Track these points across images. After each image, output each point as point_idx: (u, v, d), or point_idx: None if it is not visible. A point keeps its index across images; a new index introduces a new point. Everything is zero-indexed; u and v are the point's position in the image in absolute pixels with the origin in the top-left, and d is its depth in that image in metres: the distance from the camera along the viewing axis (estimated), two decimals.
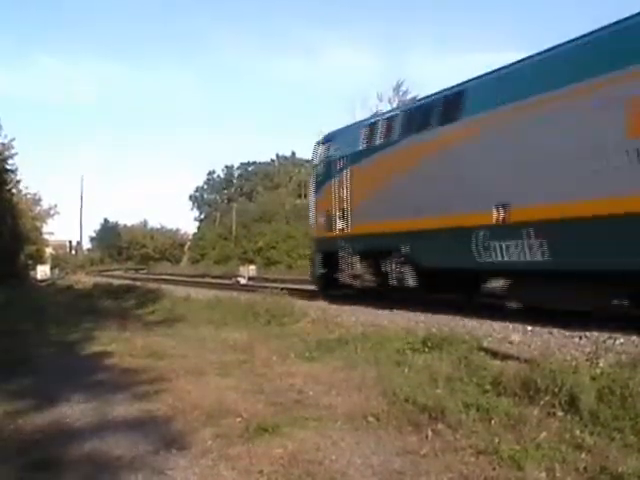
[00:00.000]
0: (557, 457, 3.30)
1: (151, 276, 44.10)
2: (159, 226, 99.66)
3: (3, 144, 28.87)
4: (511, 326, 8.53)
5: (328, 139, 14.69)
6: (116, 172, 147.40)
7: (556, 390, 4.25)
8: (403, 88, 39.22)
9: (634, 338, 6.88)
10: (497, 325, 8.72)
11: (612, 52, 7.82)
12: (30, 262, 44.93)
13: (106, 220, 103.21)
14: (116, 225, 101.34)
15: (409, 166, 11.38)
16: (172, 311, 12.62)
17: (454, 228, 10.03)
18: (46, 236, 53.08)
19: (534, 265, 8.84)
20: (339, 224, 13.52)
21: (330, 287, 14.05)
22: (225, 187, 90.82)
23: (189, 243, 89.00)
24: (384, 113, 13.79)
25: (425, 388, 4.77)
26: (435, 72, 79.48)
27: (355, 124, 14.38)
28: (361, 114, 50.50)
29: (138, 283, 25.16)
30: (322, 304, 12.76)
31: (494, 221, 9.45)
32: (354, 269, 13.03)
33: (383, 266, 12.17)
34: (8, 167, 29.77)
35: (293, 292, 14.23)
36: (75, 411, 4.65)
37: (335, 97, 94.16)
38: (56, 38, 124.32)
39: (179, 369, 6.07)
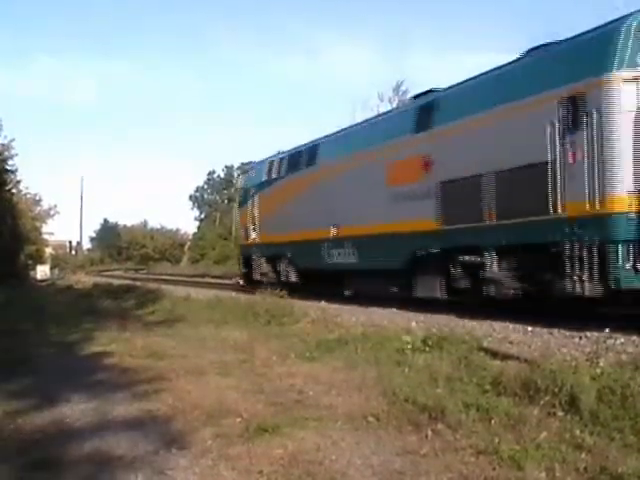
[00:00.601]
0: (557, 457, 3.30)
1: (151, 276, 44.12)
2: (159, 226, 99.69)
3: (3, 145, 28.87)
4: (511, 326, 8.53)
5: (245, 171, 20.41)
6: (116, 172, 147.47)
7: (556, 390, 4.25)
8: (403, 88, 39.28)
9: (634, 338, 6.88)
10: (497, 325, 8.72)
11: (375, 134, 12.92)
12: (30, 262, 44.93)
13: (106, 220, 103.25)
14: (116, 225, 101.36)
15: (290, 195, 16.03)
16: (172, 311, 12.63)
17: (314, 240, 14.46)
18: (46, 236, 53.10)
19: (352, 265, 13.34)
20: (252, 235, 18.16)
21: (250, 282, 18.10)
22: (225, 187, 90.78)
23: (189, 243, 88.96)
24: (279, 154, 17.75)
25: (425, 388, 4.77)
26: (435, 72, 79.49)
27: (261, 161, 18.81)
28: (361, 114, 50.50)
29: (138, 283, 25.15)
30: (322, 304, 12.76)
31: (332, 236, 13.89)
32: (262, 268, 17.54)
33: (278, 266, 16.67)
34: (8, 168, 29.77)
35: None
36: (75, 411, 4.65)
37: (335, 96, 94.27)
38: (55, 37, 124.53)
39: (179, 369, 6.07)
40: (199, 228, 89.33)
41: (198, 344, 7.90)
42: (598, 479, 3.06)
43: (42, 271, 47.38)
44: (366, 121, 14.60)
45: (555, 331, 7.88)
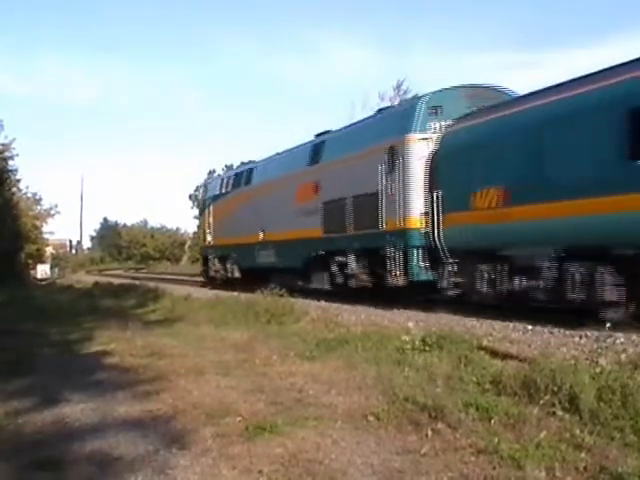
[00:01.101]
0: (557, 456, 3.30)
1: (151, 275, 44.19)
2: (159, 225, 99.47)
3: (3, 145, 28.81)
4: (511, 325, 8.53)
5: (205, 185, 25.23)
6: (116, 171, 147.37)
7: (556, 389, 4.25)
8: (404, 87, 39.31)
9: (634, 337, 6.88)
10: (497, 324, 8.72)
11: (289, 163, 16.86)
12: (30, 261, 44.90)
13: (106, 219, 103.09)
14: (116, 224, 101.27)
15: (234, 207, 20.03)
16: (172, 310, 12.63)
17: (249, 243, 18.20)
18: (46, 235, 52.95)
19: (273, 264, 17.08)
20: (208, 238, 22.18)
21: (208, 278, 22.40)
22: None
23: (189, 242, 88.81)
24: (227, 172, 22.96)
25: (425, 387, 4.78)
26: (436, 71, 79.49)
27: (215, 177, 24.92)
28: (361, 114, 50.46)
29: (138, 282, 25.15)
30: (322, 303, 12.77)
31: (260, 239, 17.64)
32: (215, 266, 21.32)
33: (226, 264, 20.50)
34: (9, 168, 29.72)
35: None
36: (75, 411, 4.65)
37: (335, 96, 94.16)
38: (56, 37, 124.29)
39: (179, 368, 6.08)
40: (199, 227, 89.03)
41: (198, 343, 7.91)
42: (598, 478, 3.07)
43: (42, 270, 47.31)
44: (285, 152, 18.22)
45: (555, 330, 7.88)
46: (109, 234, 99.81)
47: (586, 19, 77.79)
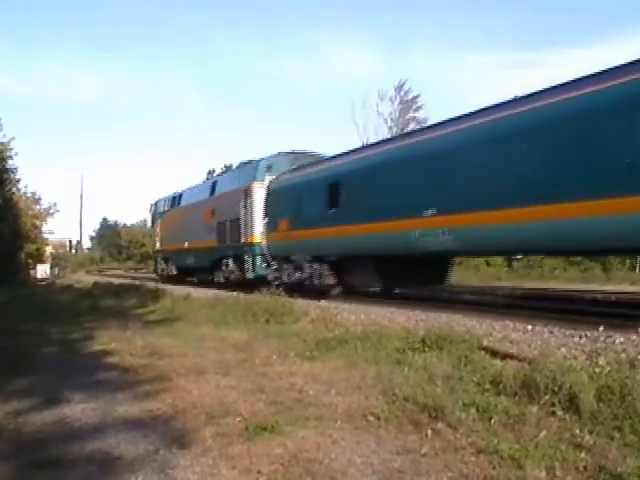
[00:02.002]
0: (557, 456, 3.31)
1: (151, 275, 44.27)
2: None
3: (2, 144, 28.76)
4: (511, 325, 8.53)
5: (155, 203, 30.13)
6: (116, 171, 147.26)
7: (556, 389, 4.26)
8: (405, 87, 39.38)
9: (634, 337, 6.89)
10: (497, 324, 8.72)
11: (200, 193, 23.92)
12: (30, 261, 44.86)
13: (105, 219, 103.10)
14: (116, 224, 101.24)
15: (171, 222, 26.81)
16: (172, 310, 12.62)
17: (180, 249, 24.72)
18: (46, 235, 52.89)
19: (194, 264, 23.68)
20: (157, 245, 29.30)
21: (157, 274, 29.13)
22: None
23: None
24: (168, 196, 28.09)
25: (425, 387, 4.78)
26: (436, 71, 79.48)
27: (160, 199, 29.26)
28: (361, 114, 50.15)
29: (138, 282, 25.16)
30: (322, 303, 12.78)
31: (186, 247, 24.00)
32: (162, 266, 28.28)
33: (169, 265, 27.26)
34: (8, 167, 29.67)
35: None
36: (75, 410, 4.65)
37: (335, 96, 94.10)
38: (56, 37, 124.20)
39: (179, 368, 6.08)
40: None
41: (198, 343, 7.91)
42: (598, 478, 3.07)
43: (42, 270, 47.23)
44: (198, 185, 25.93)
45: (555, 330, 7.88)
46: (109, 234, 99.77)
47: (586, 18, 77.73)
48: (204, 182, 26.93)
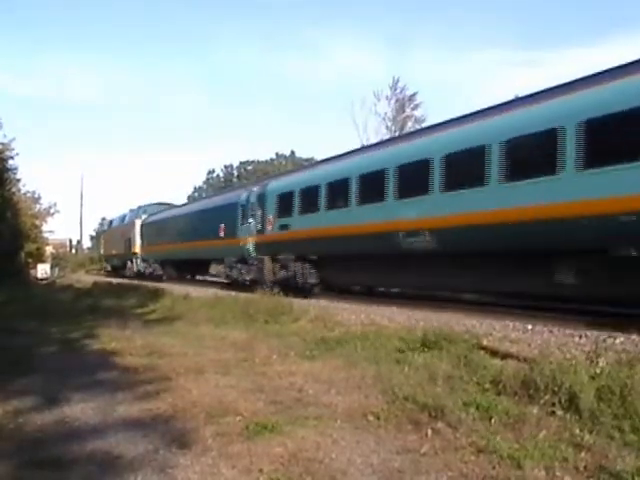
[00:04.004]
0: (556, 456, 3.31)
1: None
2: None
3: (3, 144, 28.77)
4: (511, 325, 8.54)
5: (100, 223, 57.41)
6: (116, 171, 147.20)
7: (556, 389, 4.26)
8: (400, 85, 39.19)
9: (634, 337, 6.89)
10: (497, 324, 8.72)
11: (124, 221, 40.07)
12: (30, 261, 44.92)
13: (104, 219, 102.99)
14: None
15: (107, 237, 44.32)
16: (172, 309, 12.63)
17: (111, 254, 41.98)
18: (46, 234, 53.02)
19: (116, 264, 40.99)
20: (102, 251, 46.65)
21: (105, 271, 45.22)
22: (225, 186, 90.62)
23: None
24: (108, 220, 46.92)
25: (425, 387, 4.78)
26: (437, 69, 79.47)
27: (105, 221, 52.33)
28: (361, 114, 50.38)
29: (137, 282, 25.18)
30: (322, 302, 12.78)
31: (113, 253, 41.18)
32: (104, 265, 47.35)
33: (107, 264, 45.57)
34: (8, 167, 29.67)
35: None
36: (75, 410, 4.65)
37: (336, 96, 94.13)
38: (56, 37, 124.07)
39: (179, 368, 6.08)
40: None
41: (198, 342, 7.91)
42: (598, 478, 3.07)
43: (42, 270, 47.30)
44: (119, 216, 40.33)
45: (555, 329, 7.89)
46: None
47: (587, 17, 77.74)
48: (120, 215, 40.90)
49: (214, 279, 27.64)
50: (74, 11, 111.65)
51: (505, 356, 5.85)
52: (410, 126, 36.46)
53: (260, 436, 3.83)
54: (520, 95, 11.21)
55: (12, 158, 29.72)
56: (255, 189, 19.43)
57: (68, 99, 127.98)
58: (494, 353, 6.03)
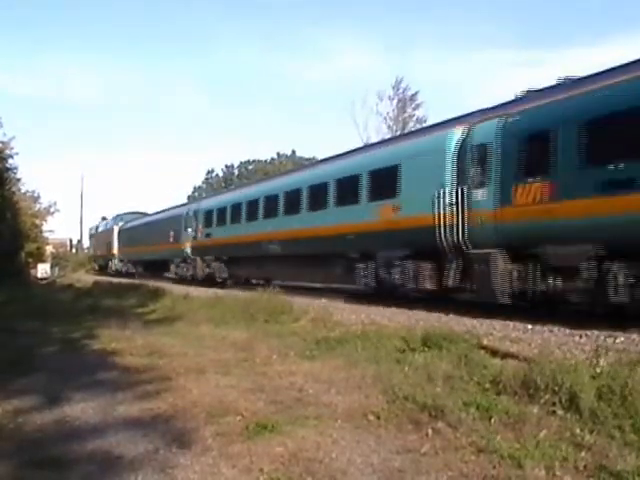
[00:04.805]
0: (557, 455, 3.31)
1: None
2: None
3: (3, 143, 28.78)
4: (512, 324, 8.53)
5: (90, 229, 55.36)
6: (116, 171, 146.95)
7: (556, 389, 4.26)
8: (403, 85, 39.17)
9: (634, 337, 6.89)
10: (497, 323, 8.72)
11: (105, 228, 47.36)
12: (30, 260, 44.96)
13: (104, 219, 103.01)
14: None
15: (95, 240, 50.53)
16: (172, 309, 12.64)
17: (98, 255, 47.29)
18: (46, 234, 53.06)
19: (101, 263, 47.02)
20: (92, 252, 52.41)
21: (94, 270, 48.15)
22: (225, 186, 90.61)
23: None
24: (96, 225, 52.30)
25: (425, 386, 4.78)
26: (437, 70, 79.40)
27: (93, 226, 53.32)
28: (361, 113, 50.26)
29: (138, 281, 25.19)
30: (322, 302, 12.78)
31: (98, 254, 47.25)
32: (93, 264, 50.36)
33: (95, 263, 49.43)
34: (8, 166, 29.68)
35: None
36: (76, 410, 4.65)
37: (336, 96, 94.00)
38: (56, 36, 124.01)
39: (179, 367, 6.08)
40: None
41: (198, 342, 7.91)
42: (598, 477, 3.07)
43: (43, 269, 47.39)
44: (101, 222, 49.15)
45: (555, 329, 7.89)
46: None
47: (587, 17, 77.66)
48: (104, 222, 47.46)
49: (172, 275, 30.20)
50: (74, 11, 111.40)
51: (505, 356, 5.85)
52: (412, 126, 36.38)
53: (260, 436, 3.83)
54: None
55: (12, 157, 29.74)
56: (193, 206, 26.17)
57: (68, 99, 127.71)
58: (494, 353, 6.03)
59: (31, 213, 41.54)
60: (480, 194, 10.06)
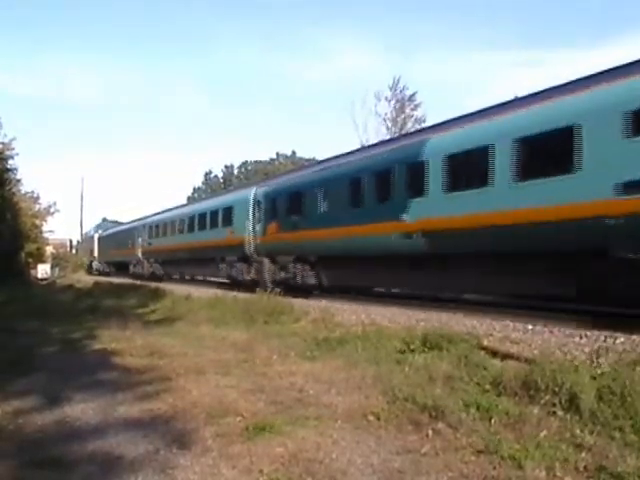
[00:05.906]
0: (557, 456, 3.31)
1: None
2: None
3: (3, 143, 28.80)
4: (512, 325, 8.53)
5: (83, 233, 59.02)
6: (116, 171, 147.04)
7: (556, 389, 4.26)
8: (400, 85, 39.09)
9: (634, 337, 6.88)
10: (498, 324, 8.71)
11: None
12: (31, 261, 45.01)
13: (105, 219, 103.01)
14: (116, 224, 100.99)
15: (85, 244, 55.86)
16: (172, 310, 12.63)
17: (89, 258, 53.17)
18: (46, 235, 53.16)
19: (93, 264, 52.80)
20: (80, 254, 60.09)
21: (89, 272, 48.61)
22: (224, 187, 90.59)
23: None
24: (89, 231, 55.22)
25: (425, 387, 4.78)
26: (439, 69, 79.41)
27: (86, 232, 56.61)
28: (361, 114, 50.39)
29: (138, 282, 25.19)
30: (323, 303, 12.79)
31: (90, 256, 52.30)
32: (91, 268, 49.28)
33: (94, 267, 49.31)
34: (8, 167, 29.70)
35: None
36: (76, 410, 4.65)
37: (336, 96, 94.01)
38: (57, 37, 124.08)
39: (179, 368, 6.08)
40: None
41: (198, 343, 7.91)
42: (598, 478, 3.07)
43: (43, 270, 47.55)
44: (90, 229, 55.09)
45: (556, 330, 7.88)
46: None
47: (588, 18, 77.70)
48: (89, 230, 53.77)
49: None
50: (74, 11, 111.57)
51: (505, 356, 5.85)
52: (410, 126, 36.35)
53: (260, 436, 3.83)
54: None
55: (12, 158, 29.77)
56: (143, 221, 33.42)
57: (68, 99, 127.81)
58: (494, 353, 6.02)
59: (31, 214, 41.62)
60: (258, 227, 18.15)
